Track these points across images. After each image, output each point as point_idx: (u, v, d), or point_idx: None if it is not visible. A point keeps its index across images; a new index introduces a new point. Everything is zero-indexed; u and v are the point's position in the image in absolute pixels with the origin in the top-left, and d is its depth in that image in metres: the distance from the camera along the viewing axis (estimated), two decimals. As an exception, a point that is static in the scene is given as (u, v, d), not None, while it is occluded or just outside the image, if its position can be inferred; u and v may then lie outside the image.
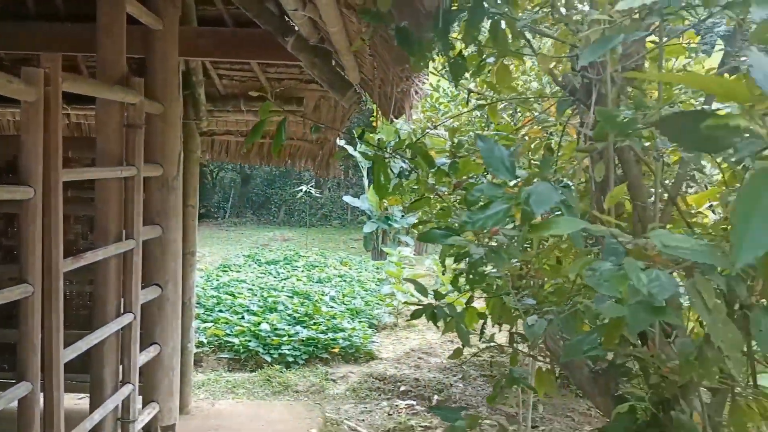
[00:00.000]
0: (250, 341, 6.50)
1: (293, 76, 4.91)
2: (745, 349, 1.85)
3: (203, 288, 8.59)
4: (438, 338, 7.41)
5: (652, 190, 2.05)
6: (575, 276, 1.76)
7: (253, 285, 9.21)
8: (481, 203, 1.26)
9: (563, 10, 2.02)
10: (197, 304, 7.12)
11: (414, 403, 5.45)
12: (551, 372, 2.31)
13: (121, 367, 3.34)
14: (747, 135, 0.65)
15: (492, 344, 2.74)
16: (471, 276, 1.70)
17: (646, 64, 2.41)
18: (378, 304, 8.65)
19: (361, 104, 4.70)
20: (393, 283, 8.54)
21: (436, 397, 5.65)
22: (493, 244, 1.79)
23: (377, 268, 11.59)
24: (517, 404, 4.96)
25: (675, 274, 1.41)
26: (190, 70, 4.48)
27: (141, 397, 3.61)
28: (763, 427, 2.04)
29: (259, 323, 6.90)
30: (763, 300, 1.72)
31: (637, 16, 1.60)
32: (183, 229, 4.04)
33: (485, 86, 2.68)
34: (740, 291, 1.47)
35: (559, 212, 1.41)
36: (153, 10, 3.50)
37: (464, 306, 2.79)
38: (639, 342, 1.87)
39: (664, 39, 1.91)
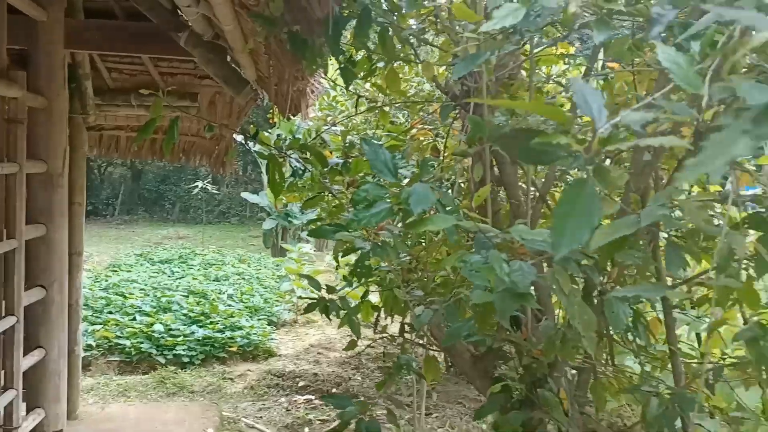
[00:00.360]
0: (142, 343, 6.31)
1: (187, 71, 4.82)
2: (605, 331, 2.08)
3: (91, 289, 8.22)
4: (337, 333, 7.51)
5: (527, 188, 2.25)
6: (451, 268, 1.90)
7: (146, 285, 8.91)
8: (367, 202, 1.36)
9: (447, 23, 2.16)
10: (85, 305, 6.82)
11: (312, 397, 5.52)
12: (437, 359, 2.45)
13: (2, 372, 3.19)
14: (574, 150, 0.78)
15: (384, 335, 2.87)
16: (359, 269, 1.80)
17: (523, 73, 2.61)
18: (278, 301, 8.63)
19: (258, 101, 4.70)
20: (293, 280, 8.55)
21: (334, 390, 5.74)
22: (388, 239, 1.91)
23: (277, 265, 11.52)
24: (411, 393, 5.16)
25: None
26: (77, 63, 4.30)
27: (25, 403, 3.45)
28: (621, 399, 2.29)
29: (152, 324, 6.70)
30: (617, 286, 1.94)
31: (511, 31, 1.76)
32: (69, 228, 3.89)
33: (376, 89, 2.80)
34: (595, 278, 1.67)
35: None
36: (36, 0, 3.35)
37: (360, 300, 2.90)
38: (514, 327, 2.06)
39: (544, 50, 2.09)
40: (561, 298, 1.45)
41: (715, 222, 1.78)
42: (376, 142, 1.41)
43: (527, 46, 2.08)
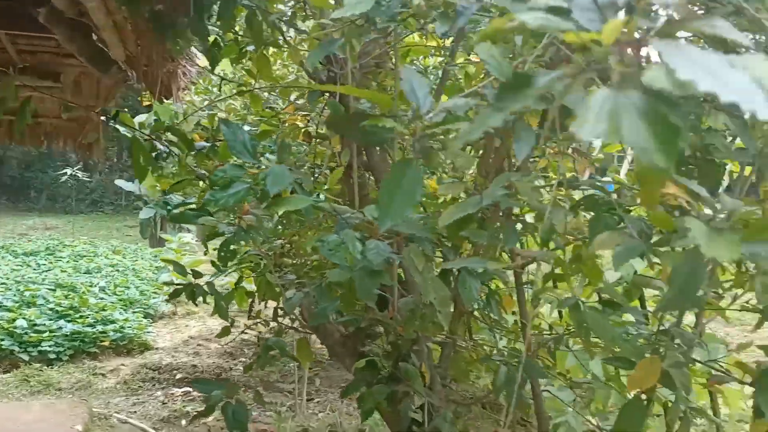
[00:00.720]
0: (3, 340, 5.88)
1: (49, 49, 4.50)
2: (464, 307, 2.21)
3: (-58, 284, 7.54)
4: (219, 324, 7.35)
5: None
6: (312, 248, 1.95)
7: (7, 279, 8.28)
8: (224, 182, 1.37)
9: (316, 9, 2.19)
10: (-66, 302, 6.25)
11: (191, 389, 5.40)
12: (308, 342, 2.50)
13: None
14: (399, 133, 0.84)
15: (259, 321, 2.88)
16: (223, 254, 1.80)
17: (393, 60, 2.69)
18: (155, 293, 8.32)
19: (128, 82, 4.49)
20: (171, 271, 8.25)
21: (214, 381, 5.65)
22: (254, 223, 1.91)
23: (155, 256, 11.09)
24: (293, 381, 5.17)
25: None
26: None
27: None
28: (481, 371, 2.45)
29: (14, 319, 6.25)
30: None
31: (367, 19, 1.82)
32: None
33: (247, 74, 2.78)
34: (450, 257, 1.77)
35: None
36: None
37: (234, 286, 2.88)
38: (381, 307, 2.14)
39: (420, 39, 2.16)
40: (415, 276, 1.54)
41: (564, 204, 1.94)
42: (236, 123, 1.42)
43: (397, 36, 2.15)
